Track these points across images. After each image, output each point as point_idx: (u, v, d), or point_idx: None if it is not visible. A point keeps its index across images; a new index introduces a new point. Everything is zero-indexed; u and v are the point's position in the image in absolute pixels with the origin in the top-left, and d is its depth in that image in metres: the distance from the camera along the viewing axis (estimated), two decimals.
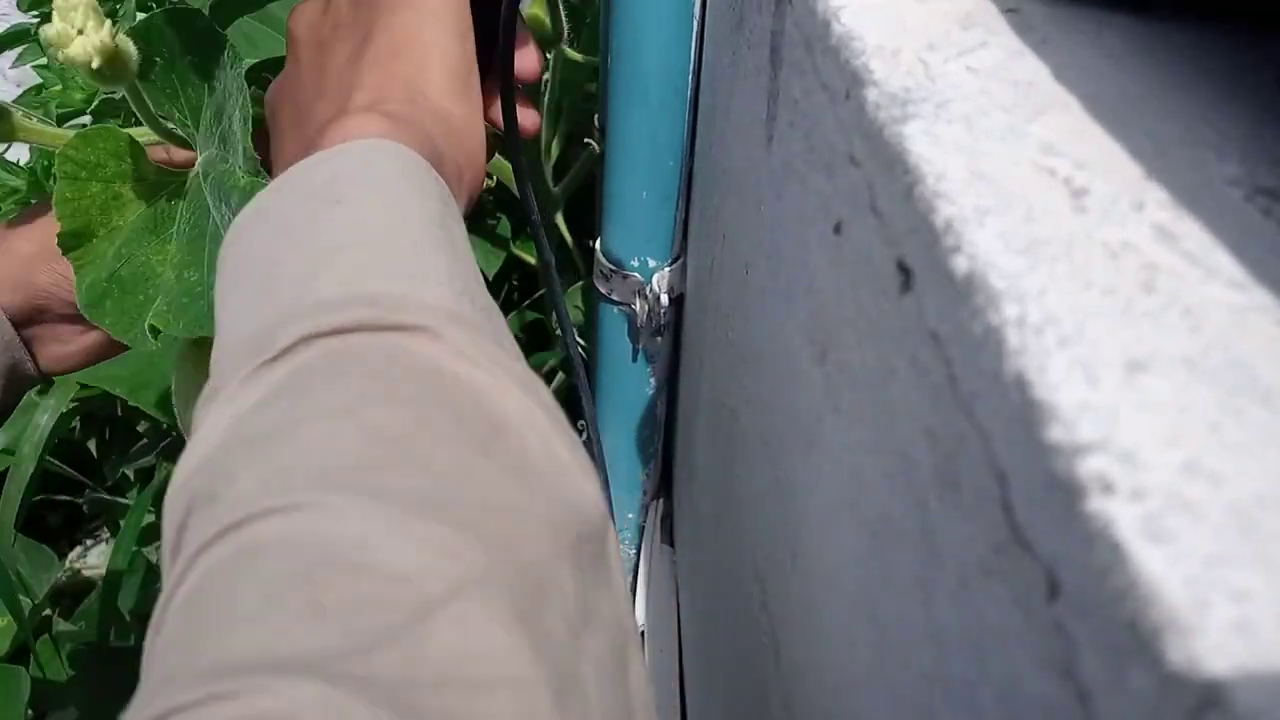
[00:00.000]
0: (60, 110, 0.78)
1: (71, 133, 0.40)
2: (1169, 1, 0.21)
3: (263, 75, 0.45)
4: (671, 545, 0.66)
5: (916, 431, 0.16)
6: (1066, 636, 0.11)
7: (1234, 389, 0.12)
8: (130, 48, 0.35)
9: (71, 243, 0.39)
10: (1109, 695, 0.11)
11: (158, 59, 0.40)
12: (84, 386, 0.82)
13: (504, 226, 0.82)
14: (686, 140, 0.45)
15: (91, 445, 0.91)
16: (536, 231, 0.52)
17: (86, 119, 0.85)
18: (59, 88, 0.78)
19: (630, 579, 0.68)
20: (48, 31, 0.32)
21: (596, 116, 0.49)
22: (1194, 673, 0.09)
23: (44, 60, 0.85)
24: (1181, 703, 0.10)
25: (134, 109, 0.39)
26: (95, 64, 0.33)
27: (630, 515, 0.64)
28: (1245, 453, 0.11)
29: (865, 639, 0.20)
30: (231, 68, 0.37)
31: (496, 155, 0.67)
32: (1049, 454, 0.12)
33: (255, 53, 0.65)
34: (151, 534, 0.88)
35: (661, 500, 0.65)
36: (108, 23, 0.33)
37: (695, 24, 0.41)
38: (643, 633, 0.63)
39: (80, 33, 0.32)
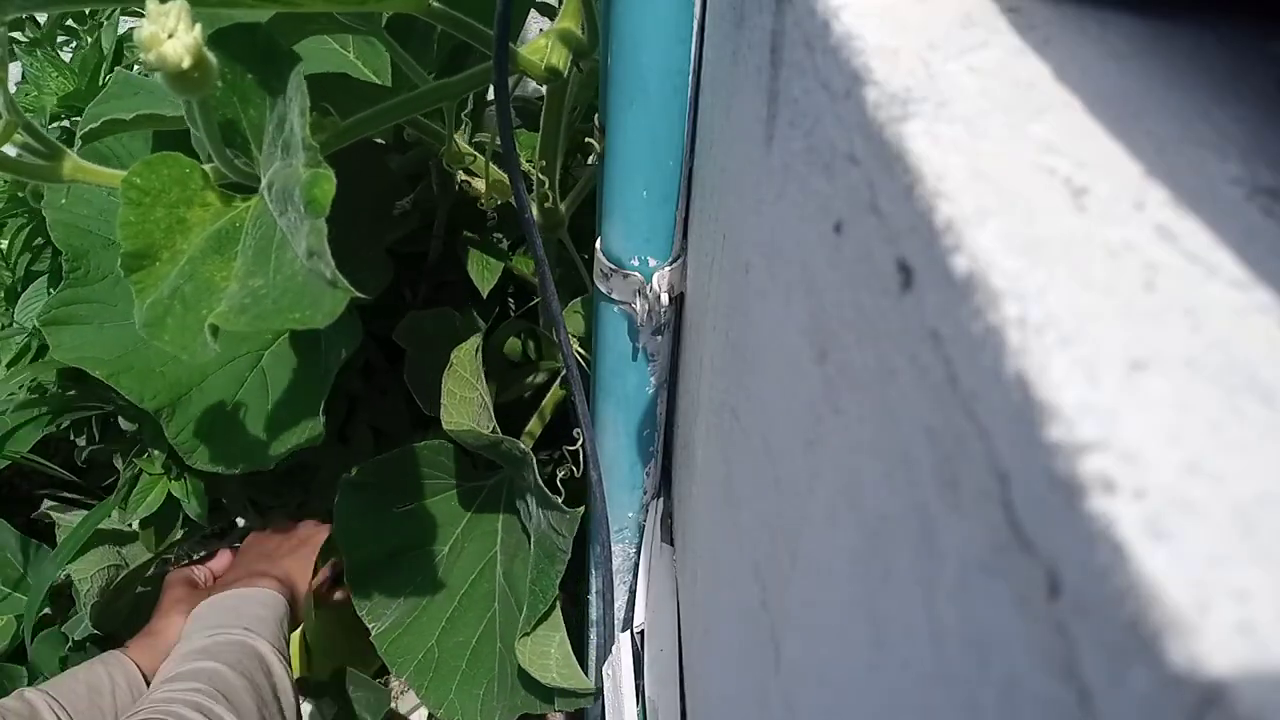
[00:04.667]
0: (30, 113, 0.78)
1: (123, 173, 0.41)
2: (1170, 1, 0.21)
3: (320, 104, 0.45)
4: (671, 544, 0.66)
5: (916, 431, 0.16)
6: (1067, 636, 0.11)
7: (1235, 388, 0.12)
8: (212, 56, 0.35)
9: (134, 264, 0.40)
10: (1110, 695, 0.11)
11: (220, 81, 0.40)
12: (67, 378, 0.82)
13: (502, 243, 0.84)
14: (686, 140, 0.45)
15: (82, 443, 0.91)
16: (530, 229, 0.52)
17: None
18: (35, 94, 0.79)
19: (630, 579, 0.68)
20: (140, 34, 0.33)
21: (597, 116, 0.49)
22: (1195, 673, 0.09)
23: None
24: (1183, 703, 0.10)
25: (201, 130, 0.40)
26: (186, 64, 0.33)
27: (630, 514, 0.64)
28: (1247, 452, 0.11)
29: (865, 639, 0.20)
30: (292, 73, 0.38)
31: (495, 170, 0.68)
32: (1050, 453, 0.12)
33: None
34: (123, 538, 0.88)
35: (661, 499, 0.65)
36: (198, 26, 0.33)
37: (695, 23, 0.41)
38: (642, 632, 0.63)
39: (170, 36, 0.33)
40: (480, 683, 0.74)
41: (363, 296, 0.34)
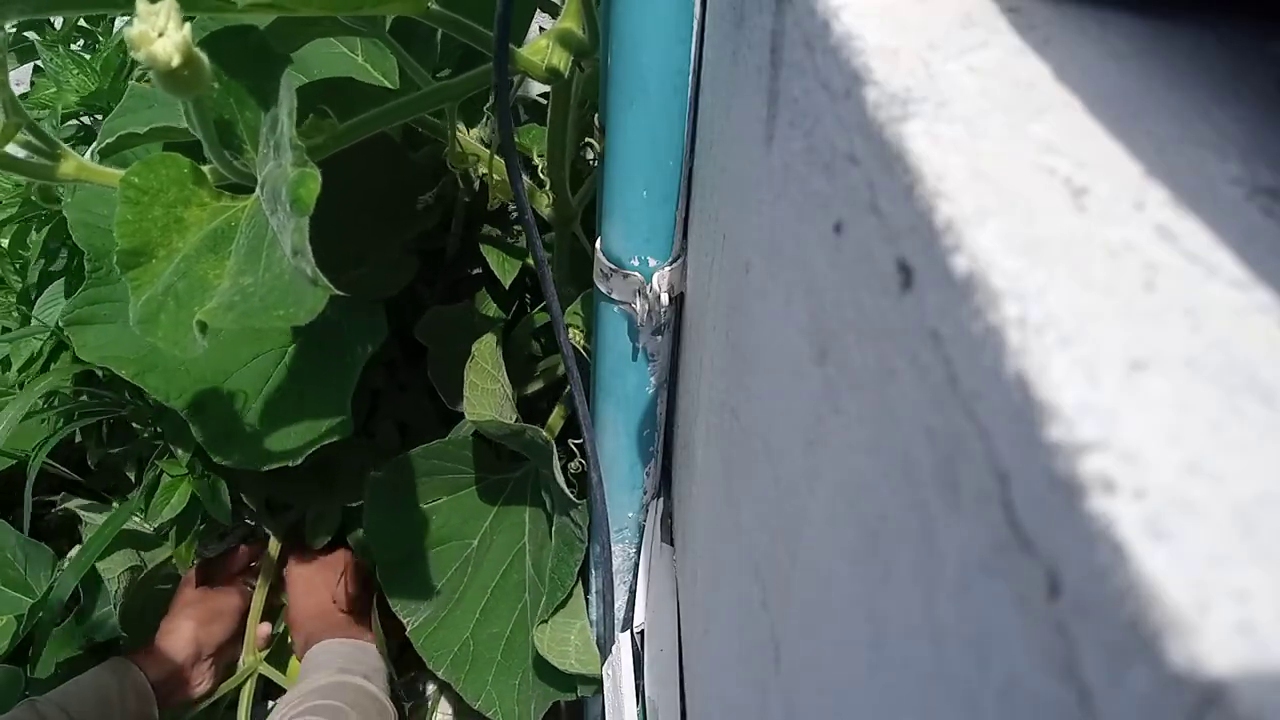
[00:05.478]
0: (44, 111, 0.78)
1: (122, 172, 0.41)
2: (1170, 1, 0.21)
3: (318, 107, 0.46)
4: (671, 544, 0.66)
5: (916, 431, 0.16)
6: (1067, 636, 0.11)
7: (1235, 388, 0.12)
8: (204, 57, 0.35)
9: (130, 261, 0.40)
10: (1110, 695, 0.11)
11: (216, 83, 0.40)
12: (79, 383, 0.82)
13: (521, 240, 0.84)
14: (686, 139, 0.45)
15: (91, 446, 0.91)
16: (529, 231, 0.52)
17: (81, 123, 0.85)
18: (53, 90, 0.79)
19: (630, 579, 0.68)
20: (130, 32, 0.33)
21: (597, 116, 0.49)
22: (1195, 673, 0.09)
23: (38, 61, 0.86)
24: (1183, 703, 0.10)
25: (197, 131, 0.40)
26: (175, 62, 0.33)
27: (630, 514, 0.64)
28: (1247, 452, 0.11)
29: (865, 638, 0.20)
30: (283, 75, 0.38)
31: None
32: (1050, 453, 0.12)
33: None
34: (144, 541, 0.88)
35: (661, 499, 0.65)
36: (188, 25, 0.34)
37: (695, 23, 0.41)
38: (642, 632, 0.64)
39: (161, 34, 0.33)
40: (516, 673, 0.74)
41: (342, 294, 0.34)
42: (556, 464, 0.64)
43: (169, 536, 0.88)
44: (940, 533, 0.15)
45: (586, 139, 0.64)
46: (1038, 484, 0.12)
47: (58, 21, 0.91)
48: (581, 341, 0.66)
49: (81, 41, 0.93)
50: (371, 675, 0.80)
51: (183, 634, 0.84)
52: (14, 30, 0.88)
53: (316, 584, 0.89)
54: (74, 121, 0.86)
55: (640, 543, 0.66)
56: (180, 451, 0.79)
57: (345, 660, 0.81)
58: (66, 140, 0.79)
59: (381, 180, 0.74)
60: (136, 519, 0.84)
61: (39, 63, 0.90)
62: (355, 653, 0.82)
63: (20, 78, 0.97)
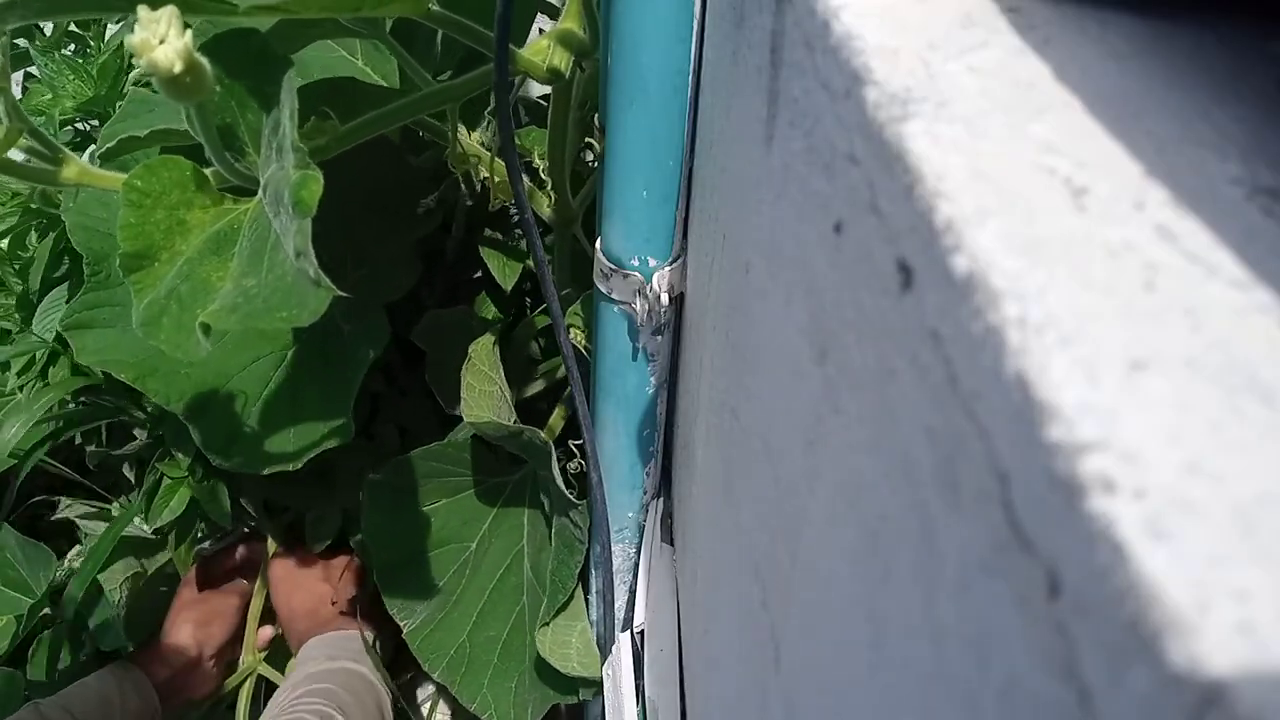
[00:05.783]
0: (40, 118, 0.78)
1: (124, 176, 0.41)
2: (1170, 1, 0.21)
3: (322, 108, 0.46)
4: (671, 544, 0.66)
5: (916, 431, 0.16)
6: (1067, 636, 0.11)
7: (1235, 388, 0.12)
8: (206, 62, 0.35)
9: (133, 265, 0.40)
10: (1110, 695, 0.11)
11: (218, 86, 0.40)
12: (79, 390, 0.81)
13: (523, 242, 0.84)
14: (686, 139, 0.45)
15: (91, 448, 0.91)
16: (529, 231, 0.52)
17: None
18: (49, 96, 0.79)
19: (630, 579, 0.68)
20: (131, 40, 0.33)
21: (597, 116, 0.49)
22: (1195, 673, 0.09)
23: (33, 68, 0.86)
24: (1183, 703, 0.10)
25: (199, 135, 0.40)
26: (178, 69, 0.33)
27: (630, 514, 0.64)
28: (1247, 452, 0.11)
29: (865, 638, 0.20)
30: (284, 78, 0.38)
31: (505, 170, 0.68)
32: (1050, 453, 0.12)
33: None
34: (145, 547, 0.88)
35: (661, 499, 0.65)
36: (189, 32, 0.34)
37: (695, 23, 0.41)
38: (642, 632, 0.63)
39: (162, 41, 0.33)
40: (512, 676, 0.74)
41: (345, 294, 0.34)
42: (555, 465, 0.64)
43: (169, 539, 0.88)
44: (940, 533, 0.15)
45: (587, 139, 0.64)
46: (1038, 484, 0.12)
47: (48, 27, 0.91)
48: (582, 342, 0.66)
49: (72, 47, 0.93)
50: (360, 658, 0.82)
51: (183, 635, 0.84)
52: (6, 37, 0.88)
53: (302, 582, 0.89)
54: (69, 128, 0.86)
55: (640, 543, 0.66)
56: (180, 455, 0.79)
57: (333, 649, 0.82)
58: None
59: (382, 182, 0.75)
60: (134, 522, 0.84)
61: (30, 69, 0.90)
62: (342, 640, 0.84)
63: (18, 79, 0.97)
